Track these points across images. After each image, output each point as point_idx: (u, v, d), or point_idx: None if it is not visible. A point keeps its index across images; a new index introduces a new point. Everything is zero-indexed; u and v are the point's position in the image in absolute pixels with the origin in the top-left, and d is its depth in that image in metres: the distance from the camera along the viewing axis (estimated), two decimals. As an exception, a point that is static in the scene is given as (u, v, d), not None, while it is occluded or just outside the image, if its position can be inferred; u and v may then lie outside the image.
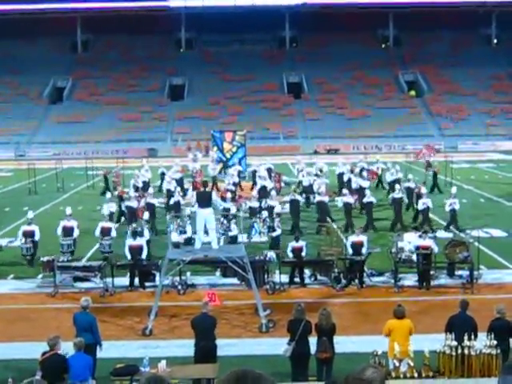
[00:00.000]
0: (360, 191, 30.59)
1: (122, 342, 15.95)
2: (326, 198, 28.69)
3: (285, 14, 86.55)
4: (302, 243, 20.87)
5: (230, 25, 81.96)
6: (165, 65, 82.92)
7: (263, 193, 30.89)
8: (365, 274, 20.41)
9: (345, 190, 29.55)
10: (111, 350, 15.01)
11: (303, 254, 20.65)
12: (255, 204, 27.70)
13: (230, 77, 79.84)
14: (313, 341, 13.14)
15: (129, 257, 20.48)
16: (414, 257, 20.10)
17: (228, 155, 46.00)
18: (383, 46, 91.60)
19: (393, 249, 20.49)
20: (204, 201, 18.08)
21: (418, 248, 20.20)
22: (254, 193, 30.73)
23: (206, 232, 17.99)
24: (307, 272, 20.76)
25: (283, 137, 69.96)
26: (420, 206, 27.39)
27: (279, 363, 13.45)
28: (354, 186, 31.68)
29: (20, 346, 15.60)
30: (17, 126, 71.36)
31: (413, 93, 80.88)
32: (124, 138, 68.89)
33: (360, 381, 4.07)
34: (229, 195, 28.37)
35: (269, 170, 37.91)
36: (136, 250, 20.43)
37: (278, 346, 13.63)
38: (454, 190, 28.68)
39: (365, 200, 28.58)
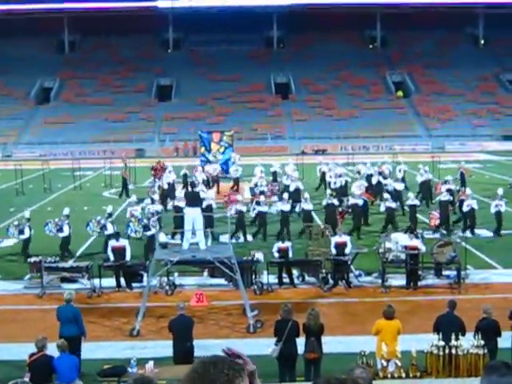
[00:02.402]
0: (396, 194, 29.87)
1: (110, 343, 15.89)
2: (360, 201, 27.64)
3: (272, 15, 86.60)
4: (287, 244, 20.87)
5: (217, 25, 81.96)
6: (152, 65, 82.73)
7: (296, 195, 29.49)
8: (352, 275, 20.44)
9: (386, 195, 28.40)
10: (98, 350, 14.97)
11: (290, 254, 20.60)
12: (286, 207, 26.65)
13: (217, 77, 79.75)
14: (301, 341, 13.14)
15: (111, 257, 20.45)
16: (403, 256, 20.14)
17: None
18: (371, 46, 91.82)
19: (380, 249, 20.52)
20: (192, 200, 18.10)
21: (405, 248, 20.27)
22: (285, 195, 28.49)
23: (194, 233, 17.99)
24: (295, 272, 20.76)
25: (271, 137, 70.00)
26: (465, 208, 26.84)
27: (267, 364, 13.44)
28: (389, 188, 30.81)
29: (7, 348, 15.51)
30: (3, 127, 70.97)
31: (400, 93, 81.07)
32: (111, 138, 68.64)
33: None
34: (262, 198, 27.46)
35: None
36: (119, 251, 20.41)
37: (266, 346, 13.60)
38: (500, 191, 27.59)
39: (408, 202, 27.81)
